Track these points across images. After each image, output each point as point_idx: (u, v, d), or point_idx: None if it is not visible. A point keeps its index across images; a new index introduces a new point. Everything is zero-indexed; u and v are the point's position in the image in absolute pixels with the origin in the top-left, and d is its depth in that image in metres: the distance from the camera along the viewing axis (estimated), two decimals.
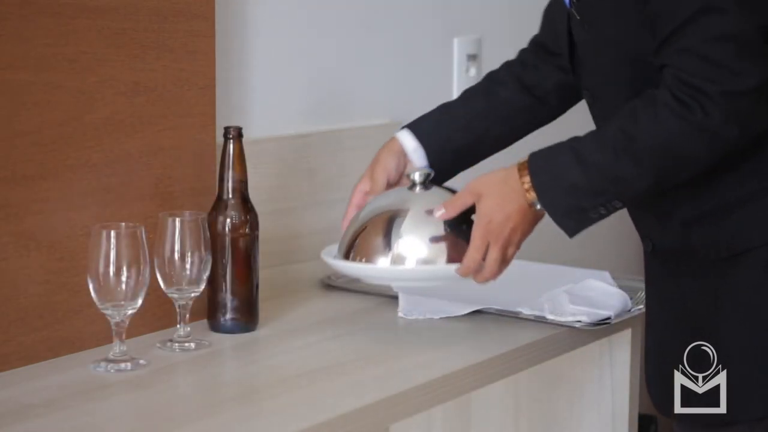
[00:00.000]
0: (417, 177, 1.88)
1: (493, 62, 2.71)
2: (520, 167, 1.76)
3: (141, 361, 1.77)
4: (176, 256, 1.83)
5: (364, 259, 1.84)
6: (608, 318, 2.03)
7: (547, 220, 1.78)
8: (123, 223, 1.76)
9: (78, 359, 1.80)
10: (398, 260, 1.81)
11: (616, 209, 1.75)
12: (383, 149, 2.01)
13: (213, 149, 2.03)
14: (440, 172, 1.97)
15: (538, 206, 1.76)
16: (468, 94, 2.09)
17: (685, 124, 1.68)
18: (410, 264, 1.81)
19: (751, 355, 1.79)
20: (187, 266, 1.84)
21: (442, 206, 1.81)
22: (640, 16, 1.74)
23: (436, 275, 1.83)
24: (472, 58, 2.66)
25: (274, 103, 2.24)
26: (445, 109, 2.07)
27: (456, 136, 2.02)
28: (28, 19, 1.76)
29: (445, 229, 1.81)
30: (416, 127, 2.03)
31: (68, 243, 1.82)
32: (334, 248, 1.92)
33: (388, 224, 1.83)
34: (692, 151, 1.70)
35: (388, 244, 1.82)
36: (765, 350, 1.78)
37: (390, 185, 1.98)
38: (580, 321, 2.00)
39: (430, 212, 1.82)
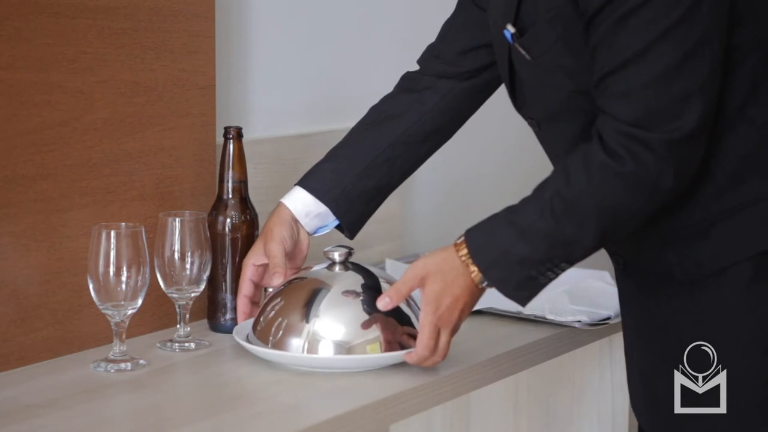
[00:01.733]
0: (337, 257, 1.81)
1: None
2: (458, 246, 1.70)
3: (141, 361, 1.77)
4: (176, 256, 1.83)
5: (306, 348, 1.74)
6: (608, 318, 2.03)
7: None
8: (123, 223, 1.76)
9: (78, 359, 1.80)
10: (342, 348, 1.74)
11: (563, 270, 1.70)
12: (273, 219, 1.90)
13: (213, 149, 2.03)
14: (356, 220, 1.93)
15: (485, 284, 1.70)
16: (359, 133, 1.98)
17: (618, 181, 1.63)
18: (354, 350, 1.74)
19: (747, 372, 1.78)
20: (187, 266, 1.84)
21: (386, 296, 1.74)
22: (580, 54, 1.69)
23: (383, 362, 1.76)
24: None
25: (274, 103, 2.24)
26: (338, 154, 1.97)
27: (361, 182, 1.93)
28: (28, 19, 1.76)
29: (372, 312, 1.76)
30: (311, 184, 1.93)
31: (68, 243, 1.82)
32: (248, 326, 1.84)
33: (314, 308, 1.76)
34: (630, 205, 1.66)
35: (335, 335, 1.74)
36: (759, 367, 1.77)
37: (287, 255, 1.88)
38: (580, 321, 2.00)
39: (350, 294, 1.77)
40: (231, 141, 1.93)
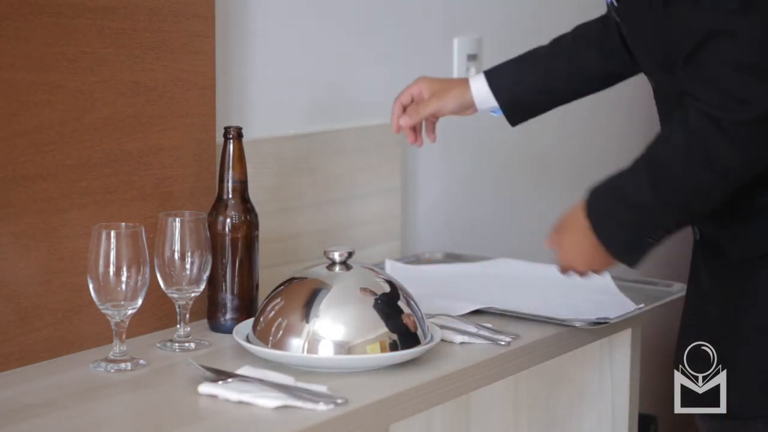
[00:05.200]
0: (337, 257, 1.81)
1: (493, 62, 2.71)
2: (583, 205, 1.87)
3: (141, 361, 1.77)
4: (176, 256, 1.83)
5: (306, 348, 1.74)
6: (608, 318, 2.02)
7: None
8: (123, 223, 1.76)
9: (78, 359, 1.80)
10: (342, 350, 1.74)
11: (662, 237, 1.82)
12: (457, 89, 2.14)
13: (213, 149, 2.03)
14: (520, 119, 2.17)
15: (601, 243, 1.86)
16: (553, 54, 2.16)
17: (697, 155, 1.74)
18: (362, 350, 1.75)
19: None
20: (187, 266, 1.84)
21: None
22: (662, 32, 1.80)
23: (383, 362, 1.76)
24: (472, 58, 2.66)
25: (274, 103, 2.24)
26: (529, 63, 2.17)
27: (532, 96, 2.16)
28: (28, 19, 1.76)
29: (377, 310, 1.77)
30: (495, 81, 2.15)
31: (68, 243, 1.82)
32: (248, 326, 1.84)
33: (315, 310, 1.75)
34: (701, 181, 1.75)
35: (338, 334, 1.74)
36: None
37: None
38: (580, 321, 1.99)
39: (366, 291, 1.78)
40: (231, 141, 1.93)
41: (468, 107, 2.15)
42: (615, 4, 1.88)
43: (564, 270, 1.91)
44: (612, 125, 3.08)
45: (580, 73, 2.14)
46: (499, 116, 2.16)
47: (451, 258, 2.44)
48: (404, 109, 2.17)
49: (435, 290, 2.13)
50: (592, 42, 2.12)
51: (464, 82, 2.16)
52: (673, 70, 1.79)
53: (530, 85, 2.14)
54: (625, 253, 1.83)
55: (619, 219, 1.82)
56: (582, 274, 1.90)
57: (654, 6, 1.79)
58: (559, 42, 2.17)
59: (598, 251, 1.84)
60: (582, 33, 2.15)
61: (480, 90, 2.14)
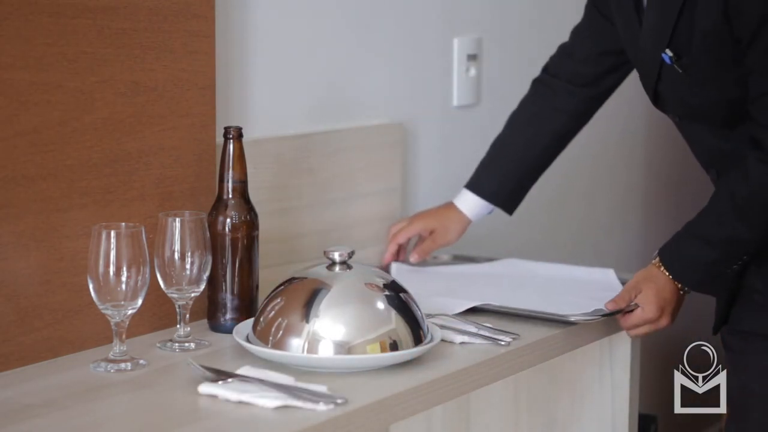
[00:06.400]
0: (337, 257, 1.81)
1: (493, 62, 2.72)
2: (657, 265, 1.99)
3: (141, 361, 1.77)
4: (176, 256, 1.83)
5: (306, 348, 1.74)
6: (603, 310, 2.01)
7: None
8: (123, 223, 1.76)
9: (78, 359, 1.80)
10: (343, 350, 1.74)
11: (745, 261, 1.96)
12: (453, 222, 2.30)
13: (213, 149, 2.03)
14: (516, 205, 2.33)
15: (687, 289, 1.99)
16: (511, 138, 2.30)
17: None
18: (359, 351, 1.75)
19: None
20: (187, 266, 1.84)
21: (614, 300, 2.00)
22: (739, 68, 1.90)
23: (383, 362, 1.75)
24: (472, 58, 2.66)
25: (274, 103, 2.24)
26: (503, 158, 2.31)
27: (524, 181, 2.31)
28: (28, 19, 1.76)
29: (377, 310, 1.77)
30: (483, 189, 2.30)
31: (68, 243, 1.82)
32: (248, 326, 1.84)
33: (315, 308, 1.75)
34: None
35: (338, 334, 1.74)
36: None
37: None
38: (575, 315, 1.99)
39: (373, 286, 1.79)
40: (231, 141, 1.93)
41: (467, 225, 2.31)
42: (676, 59, 1.93)
43: (648, 323, 2.00)
44: (611, 124, 3.08)
45: (553, 137, 2.28)
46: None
47: (460, 259, 2.43)
48: (399, 247, 2.33)
49: (438, 291, 2.13)
50: (546, 109, 2.26)
51: (454, 209, 2.31)
52: (740, 101, 1.91)
53: (516, 176, 2.29)
54: (712, 290, 2.00)
55: (707, 260, 1.95)
56: (661, 326, 2.01)
57: (724, 50, 1.88)
58: (515, 125, 2.30)
59: (679, 297, 2.00)
60: (531, 110, 2.29)
61: (473, 206, 2.30)
